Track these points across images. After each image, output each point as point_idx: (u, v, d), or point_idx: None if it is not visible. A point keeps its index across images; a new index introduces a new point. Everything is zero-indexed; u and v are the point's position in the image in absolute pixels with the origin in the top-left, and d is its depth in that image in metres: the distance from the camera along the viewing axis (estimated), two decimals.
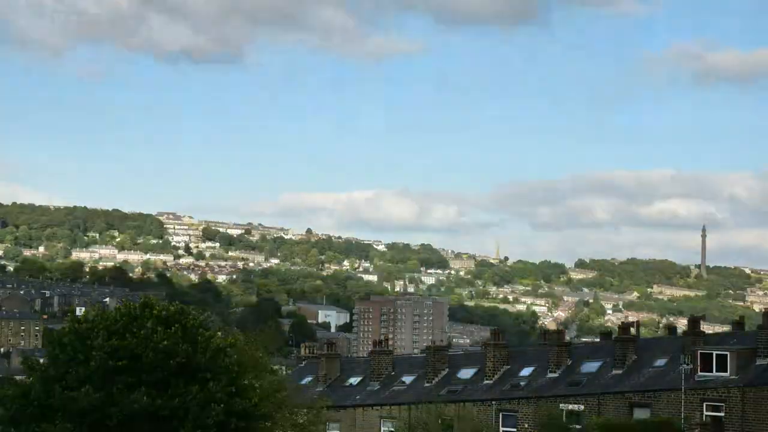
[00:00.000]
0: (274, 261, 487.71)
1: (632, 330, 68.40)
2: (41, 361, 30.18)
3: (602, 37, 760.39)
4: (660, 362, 63.16)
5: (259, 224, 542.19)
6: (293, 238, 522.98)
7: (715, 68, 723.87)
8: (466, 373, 71.19)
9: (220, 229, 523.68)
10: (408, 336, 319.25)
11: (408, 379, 73.65)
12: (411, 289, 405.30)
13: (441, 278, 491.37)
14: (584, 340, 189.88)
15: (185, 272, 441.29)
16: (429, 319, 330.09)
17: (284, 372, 77.70)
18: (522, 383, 67.15)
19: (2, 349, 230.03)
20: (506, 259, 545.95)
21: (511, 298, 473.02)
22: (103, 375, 28.08)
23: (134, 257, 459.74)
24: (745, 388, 57.27)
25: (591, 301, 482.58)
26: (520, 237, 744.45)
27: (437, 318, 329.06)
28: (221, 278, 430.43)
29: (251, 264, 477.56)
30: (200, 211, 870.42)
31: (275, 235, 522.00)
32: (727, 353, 59.20)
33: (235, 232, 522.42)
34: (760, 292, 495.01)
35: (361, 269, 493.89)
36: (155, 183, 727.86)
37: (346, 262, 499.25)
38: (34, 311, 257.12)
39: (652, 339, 74.18)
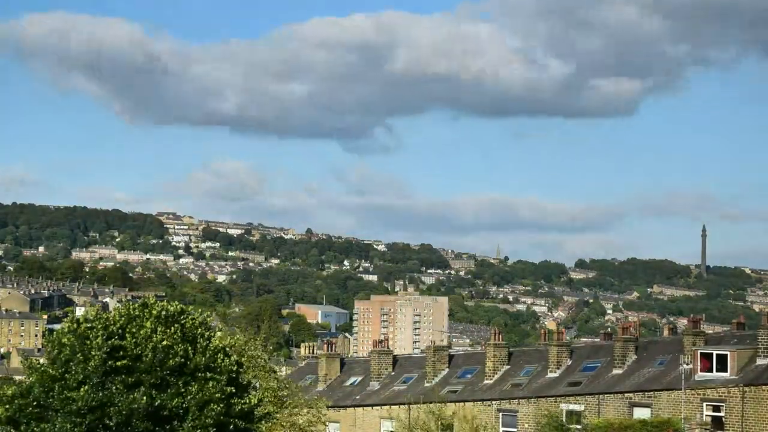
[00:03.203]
0: (274, 261, 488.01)
1: (632, 330, 68.43)
2: (41, 361, 30.15)
3: None
4: (660, 362, 63.18)
5: (259, 224, 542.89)
6: (293, 238, 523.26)
7: None
8: (466, 373, 71.24)
9: (220, 229, 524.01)
10: (408, 336, 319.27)
11: (408, 379, 73.71)
12: (411, 289, 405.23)
13: (441, 278, 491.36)
14: (584, 340, 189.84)
15: (185, 272, 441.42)
16: (429, 319, 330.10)
17: (284, 372, 77.76)
18: (522, 383, 67.19)
19: (2, 349, 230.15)
20: (506, 259, 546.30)
21: (511, 298, 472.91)
22: (103, 375, 28.07)
23: (134, 257, 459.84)
24: (745, 388, 57.30)
25: (591, 301, 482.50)
26: None
27: (437, 318, 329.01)
28: (221, 278, 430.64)
29: (251, 264, 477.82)
30: (200, 211, 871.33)
31: (275, 235, 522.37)
32: (727, 353, 59.24)
33: (235, 232, 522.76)
34: (760, 292, 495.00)
35: (361, 269, 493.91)
36: (155, 183, 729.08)
37: (346, 262, 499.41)
38: (34, 311, 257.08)
39: (652, 339, 74.13)
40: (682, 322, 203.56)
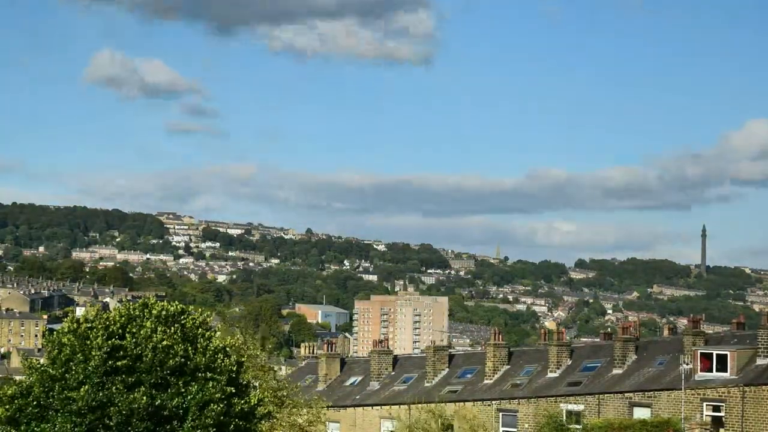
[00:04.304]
0: (274, 261, 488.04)
1: (632, 330, 68.44)
2: (41, 361, 30.17)
3: None
4: (660, 362, 63.19)
5: (259, 224, 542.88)
6: (293, 238, 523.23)
7: None
8: (466, 373, 71.25)
9: (220, 229, 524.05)
10: (408, 336, 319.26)
11: (408, 379, 73.72)
12: (411, 289, 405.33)
13: (441, 278, 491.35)
14: (584, 340, 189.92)
15: (185, 272, 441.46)
16: (429, 319, 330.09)
17: (284, 372, 77.86)
18: (522, 383, 67.19)
19: (2, 349, 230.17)
20: (506, 259, 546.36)
21: (511, 298, 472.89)
22: (103, 375, 28.09)
23: (134, 257, 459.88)
24: (745, 388, 57.31)
25: (591, 301, 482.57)
26: None
27: (437, 318, 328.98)
28: (221, 278, 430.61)
29: (251, 264, 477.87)
30: (200, 211, 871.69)
31: (275, 235, 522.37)
32: (727, 353, 59.25)
33: (235, 232, 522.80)
34: (760, 292, 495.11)
35: (361, 269, 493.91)
36: (155, 183, 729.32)
37: (346, 262, 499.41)
38: (34, 311, 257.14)
39: (652, 339, 74.16)
40: (682, 322, 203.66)
